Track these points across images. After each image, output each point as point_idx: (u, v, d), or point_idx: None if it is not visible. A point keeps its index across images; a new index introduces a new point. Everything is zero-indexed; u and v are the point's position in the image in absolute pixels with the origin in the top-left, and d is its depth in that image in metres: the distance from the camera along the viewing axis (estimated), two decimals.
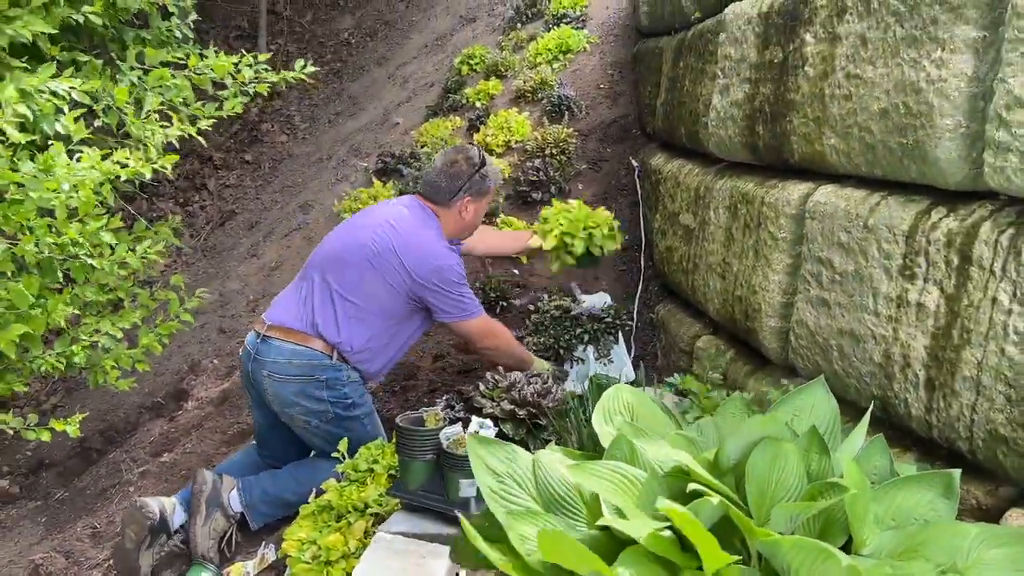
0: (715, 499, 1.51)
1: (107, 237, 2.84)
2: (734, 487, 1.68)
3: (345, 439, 2.66)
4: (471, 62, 6.15)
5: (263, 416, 3.03)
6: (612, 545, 1.57)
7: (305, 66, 3.09)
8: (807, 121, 2.42)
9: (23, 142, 2.23)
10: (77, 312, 3.05)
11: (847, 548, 1.56)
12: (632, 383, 3.26)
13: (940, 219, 1.92)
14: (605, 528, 1.61)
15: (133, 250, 3.08)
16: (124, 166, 2.56)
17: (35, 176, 2.24)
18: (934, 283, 1.91)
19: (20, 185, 2.34)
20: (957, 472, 1.64)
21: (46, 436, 2.80)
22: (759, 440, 1.71)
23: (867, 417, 1.76)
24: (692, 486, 1.52)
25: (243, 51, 3.25)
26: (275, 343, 2.81)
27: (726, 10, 3.06)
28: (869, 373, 2.12)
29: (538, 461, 1.79)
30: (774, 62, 2.64)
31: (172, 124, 2.76)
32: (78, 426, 2.93)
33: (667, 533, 1.49)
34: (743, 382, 2.71)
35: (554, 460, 1.80)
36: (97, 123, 2.77)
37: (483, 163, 2.96)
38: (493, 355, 3.04)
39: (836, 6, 2.29)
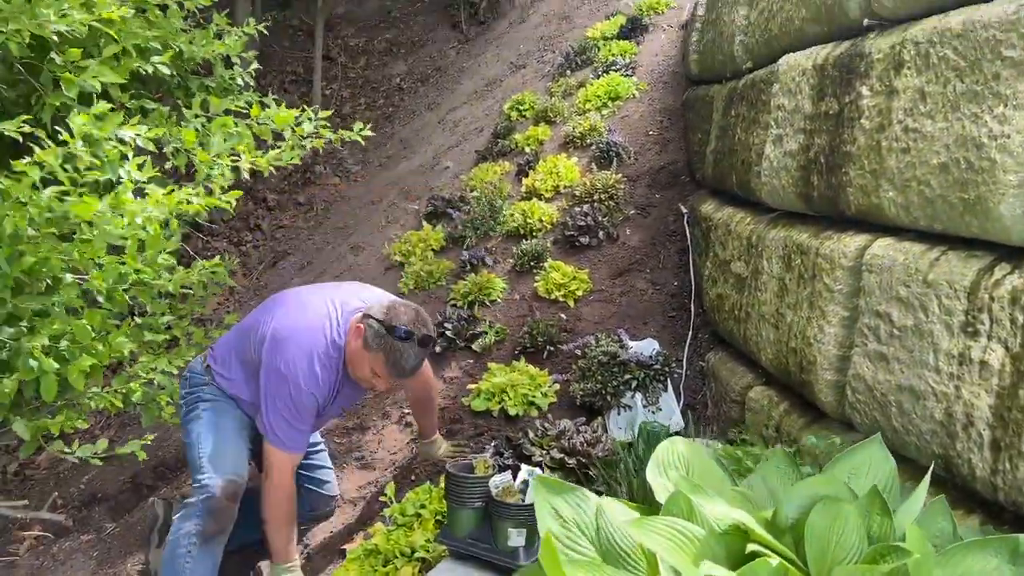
0: (774, 560, 1.49)
1: (163, 260, 2.94)
2: (793, 547, 1.65)
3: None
4: (520, 108, 6.23)
5: None
6: None
7: (363, 129, 3.17)
8: (864, 173, 2.41)
9: (93, 180, 2.32)
10: (136, 349, 3.14)
11: None
12: (681, 432, 3.23)
13: (1004, 276, 1.88)
14: None
15: (189, 289, 3.18)
16: (190, 202, 2.64)
17: (106, 214, 2.33)
18: (998, 341, 1.87)
19: (90, 224, 2.43)
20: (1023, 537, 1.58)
21: (121, 453, 2.91)
22: (818, 499, 1.68)
23: (928, 477, 1.72)
24: (751, 547, 1.49)
25: (299, 98, 3.35)
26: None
27: (780, 61, 3.07)
28: (930, 431, 2.07)
29: (601, 509, 1.77)
30: (829, 114, 2.64)
31: (241, 159, 2.85)
32: (143, 450, 3.01)
33: None
34: (797, 435, 2.66)
35: (617, 510, 1.78)
36: (167, 165, 2.87)
37: (425, 343, 2.60)
38: (265, 508, 2.71)
39: (894, 60, 2.29)
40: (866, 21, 2.55)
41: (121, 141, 2.61)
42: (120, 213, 2.38)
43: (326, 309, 2.70)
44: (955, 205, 2.03)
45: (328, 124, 3.12)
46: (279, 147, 3.00)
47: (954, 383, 1.99)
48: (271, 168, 3.11)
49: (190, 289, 3.29)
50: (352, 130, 3.18)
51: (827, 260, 2.54)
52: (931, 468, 1.81)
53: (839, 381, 2.49)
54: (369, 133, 3.16)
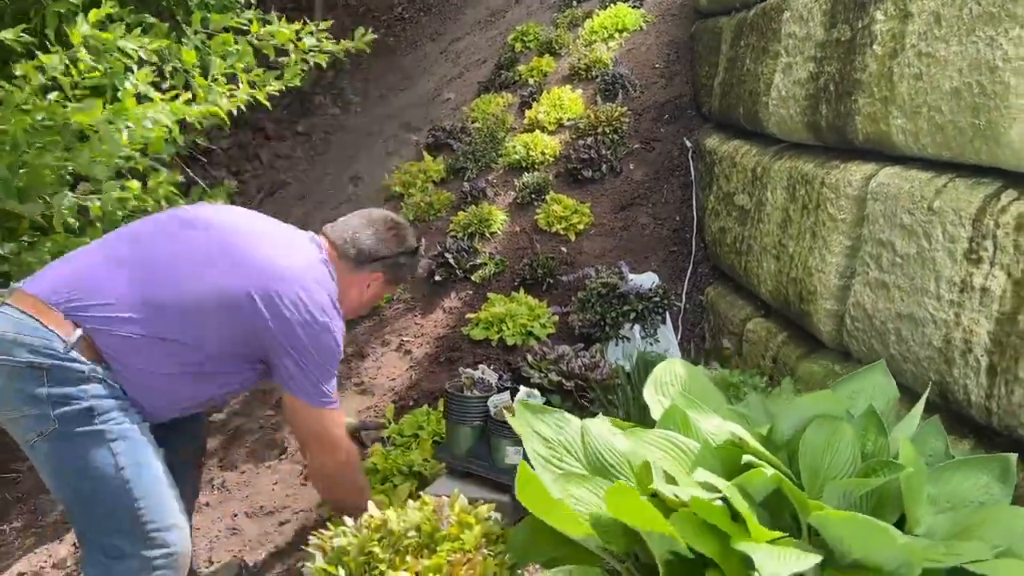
0: (768, 471, 1.51)
1: (163, 191, 2.91)
2: (787, 463, 1.67)
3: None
4: (525, 39, 6.12)
5: None
6: (663, 513, 1.57)
7: (365, 35, 3.11)
8: (873, 101, 2.38)
9: (94, 85, 2.29)
10: None
11: (900, 527, 1.54)
12: None
13: (1011, 202, 1.87)
14: (654, 496, 1.62)
15: None
16: (192, 103, 2.61)
17: (109, 122, 2.30)
18: (1000, 267, 1.87)
19: (95, 131, 2.40)
20: (1014, 456, 1.61)
21: None
22: (813, 417, 1.70)
23: (923, 399, 1.73)
24: (746, 458, 1.51)
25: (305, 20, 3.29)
26: (3, 312, 1.99)
27: None
28: (927, 358, 2.08)
29: (587, 428, 1.79)
30: (841, 40, 2.59)
31: (239, 87, 2.80)
32: None
33: (718, 503, 1.49)
34: (794, 365, 2.68)
35: (603, 428, 1.80)
36: (165, 85, 2.83)
37: (417, 251, 2.44)
38: (327, 488, 2.34)
39: None
40: None
41: (124, 53, 2.56)
42: (125, 120, 2.34)
43: (290, 235, 2.25)
44: (965, 131, 2.00)
45: (330, 36, 3.06)
46: (280, 64, 2.95)
47: (954, 310, 1.99)
48: (275, 91, 3.06)
49: None
50: (356, 50, 3.12)
51: (832, 189, 2.52)
52: (927, 391, 1.82)
53: (838, 310, 2.49)
54: (372, 37, 3.10)
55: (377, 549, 1.73)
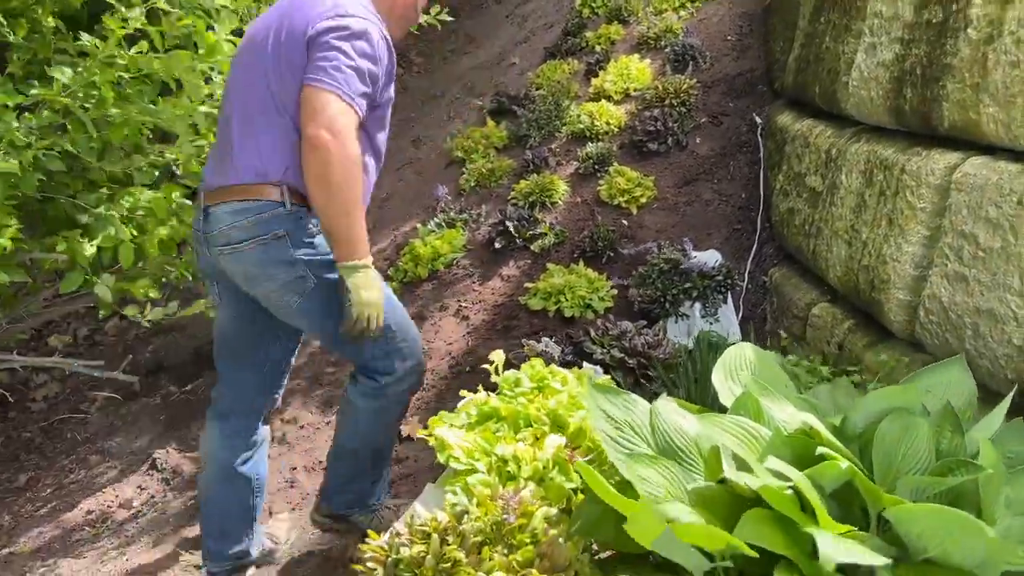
0: (843, 463, 1.50)
1: None
2: (858, 456, 1.66)
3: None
4: (593, 4, 6.03)
5: (235, 323, 2.42)
6: (730, 500, 1.57)
7: (440, 12, 3.09)
8: (963, 87, 2.30)
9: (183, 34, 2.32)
10: None
11: None
12: None
13: None
14: (722, 482, 1.62)
15: None
16: None
17: (191, 67, 2.33)
18: None
19: (179, 84, 2.44)
20: None
21: (191, 312, 2.95)
22: (888, 411, 1.68)
23: (1008, 399, 1.70)
24: (821, 449, 1.50)
25: None
26: (215, 211, 2.20)
27: None
28: (1006, 356, 2.04)
29: (656, 410, 1.79)
30: (932, 22, 2.50)
31: None
32: (207, 309, 3.11)
33: (789, 492, 1.49)
34: (860, 354, 2.64)
35: (671, 411, 1.80)
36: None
37: None
38: (320, 177, 2.07)
39: None
40: None
41: (205, 11, 2.60)
42: (211, 65, 2.37)
43: None
44: None
45: None
46: None
47: None
48: None
49: None
50: (424, 18, 3.11)
51: (912, 176, 2.46)
52: (1012, 392, 1.78)
53: (912, 301, 2.44)
54: (446, 18, 3.09)
55: (460, 555, 1.59)
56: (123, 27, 2.40)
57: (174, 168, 2.81)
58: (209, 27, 2.62)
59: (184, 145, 2.77)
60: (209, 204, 2.22)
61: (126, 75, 2.43)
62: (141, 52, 2.47)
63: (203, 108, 2.57)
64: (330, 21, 2.11)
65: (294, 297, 2.21)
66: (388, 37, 2.25)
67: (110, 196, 2.82)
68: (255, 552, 2.60)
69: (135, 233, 2.75)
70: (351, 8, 2.16)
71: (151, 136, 2.79)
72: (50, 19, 2.56)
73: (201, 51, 2.57)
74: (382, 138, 2.39)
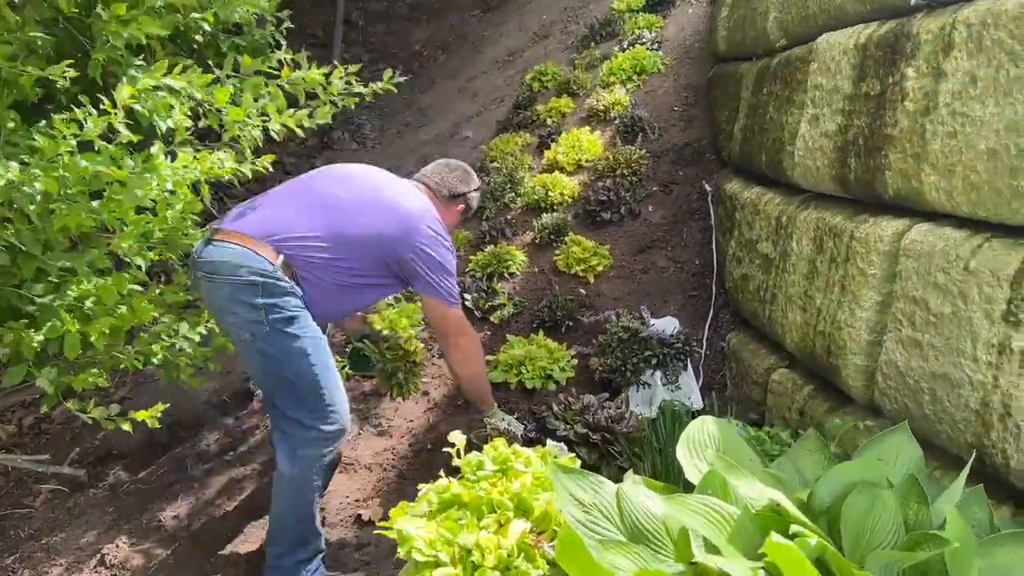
0: (813, 540, 1.48)
1: (193, 232, 2.92)
2: (826, 531, 1.64)
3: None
4: (543, 79, 6.17)
5: None
6: None
7: (393, 76, 3.14)
8: (904, 157, 2.37)
9: (135, 140, 2.30)
10: (157, 314, 3.13)
11: None
12: (700, 412, 3.23)
13: None
14: (693, 564, 1.59)
15: None
16: (223, 165, 2.62)
17: (139, 175, 2.31)
18: None
19: (121, 184, 2.41)
20: None
21: (127, 425, 2.87)
22: (853, 484, 1.67)
23: (967, 468, 1.70)
24: (793, 528, 1.48)
25: (318, 63, 3.33)
26: (219, 244, 2.60)
27: (819, 39, 3.02)
28: (964, 420, 2.05)
29: (623, 493, 1.76)
30: (871, 95, 2.59)
31: (270, 119, 2.83)
32: (158, 417, 3.00)
33: (762, 573, 1.46)
34: (821, 419, 2.65)
35: (639, 493, 1.77)
36: (200, 124, 2.85)
37: (479, 187, 3.21)
38: (464, 363, 2.98)
39: (943, 42, 2.24)
40: (913, 1, 2.50)
41: (171, 90, 2.59)
42: (151, 175, 2.35)
43: (405, 183, 2.96)
44: (1002, 192, 1.99)
45: (359, 79, 3.10)
46: (310, 107, 2.96)
47: (992, 372, 1.97)
48: (296, 129, 3.08)
49: None
50: (383, 91, 3.15)
51: (862, 243, 2.51)
52: (971, 459, 1.79)
53: (869, 366, 2.47)
54: (401, 79, 3.14)
55: None
56: (75, 135, 2.37)
57: (123, 257, 2.75)
58: (170, 106, 2.62)
59: (131, 232, 2.72)
60: (217, 238, 2.62)
61: (70, 176, 2.39)
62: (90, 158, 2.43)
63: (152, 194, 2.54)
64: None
65: (247, 335, 2.60)
66: None
67: (57, 285, 2.74)
68: None
69: (81, 323, 2.67)
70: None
71: (99, 228, 2.73)
72: (8, 113, 2.55)
73: (154, 147, 2.55)
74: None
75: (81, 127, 2.28)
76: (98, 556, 3.39)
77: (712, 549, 1.54)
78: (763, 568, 1.48)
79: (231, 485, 3.65)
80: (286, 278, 2.60)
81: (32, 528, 3.83)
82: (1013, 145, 1.95)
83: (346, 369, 3.49)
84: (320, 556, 2.85)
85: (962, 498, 1.71)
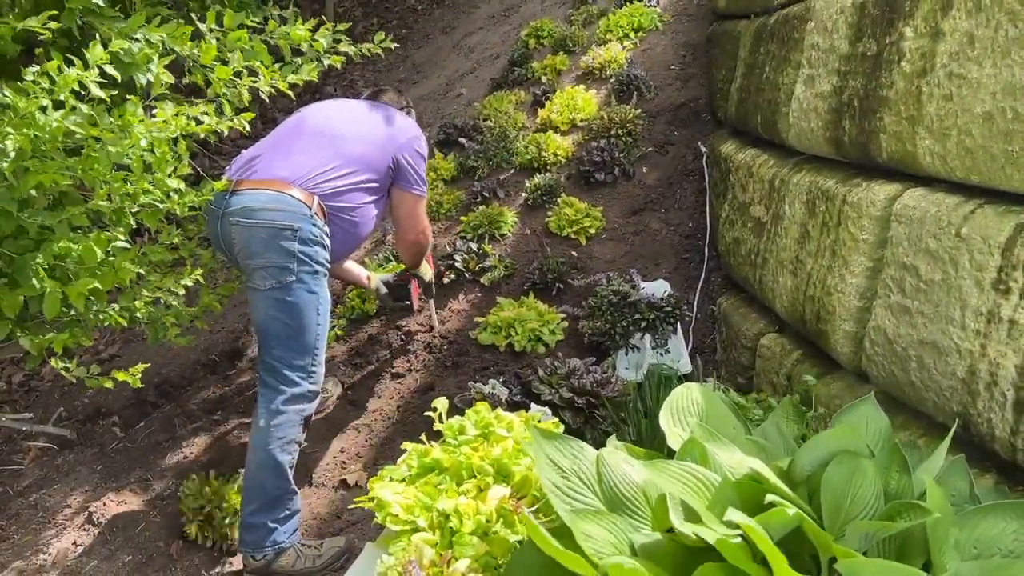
0: (791, 510, 1.46)
1: (174, 183, 2.86)
2: (807, 499, 1.62)
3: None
4: (539, 35, 6.05)
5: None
6: (678, 552, 1.53)
7: (384, 39, 3.06)
8: (899, 119, 2.32)
9: (107, 98, 2.24)
10: (142, 271, 3.08)
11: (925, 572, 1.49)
12: (688, 376, 3.21)
13: None
14: (670, 532, 1.57)
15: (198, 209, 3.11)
16: (200, 122, 2.56)
17: (113, 132, 2.25)
18: None
19: (98, 140, 2.35)
20: None
21: (109, 384, 2.85)
22: (835, 453, 1.65)
23: (949, 437, 1.68)
24: (770, 497, 1.47)
25: (311, 16, 3.24)
26: (248, 192, 2.76)
27: None
28: (950, 388, 2.03)
29: (602, 459, 1.74)
30: (867, 55, 2.53)
31: (260, 79, 2.76)
32: (139, 377, 2.97)
33: (738, 540, 1.45)
34: (810, 385, 2.63)
35: (619, 459, 1.75)
36: (185, 81, 2.78)
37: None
38: (415, 252, 3.45)
39: (942, 0, 2.17)
40: None
41: (149, 42, 2.51)
42: (126, 133, 2.29)
43: (375, 105, 3.23)
44: (996, 157, 1.95)
45: (347, 37, 3.02)
46: (296, 63, 2.89)
47: (980, 340, 1.94)
48: (286, 91, 3.01)
49: (198, 209, 3.23)
50: (369, 51, 3.07)
51: (854, 208, 2.47)
52: (954, 428, 1.77)
53: (857, 332, 2.44)
54: (391, 45, 3.07)
55: None
56: (49, 90, 2.31)
57: (103, 217, 2.70)
58: (149, 60, 2.55)
59: (115, 191, 2.66)
60: (241, 188, 2.77)
61: (43, 135, 2.33)
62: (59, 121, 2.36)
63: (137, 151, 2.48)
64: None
65: (272, 282, 2.71)
66: None
67: (37, 243, 2.69)
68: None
69: (59, 284, 2.62)
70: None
71: (77, 185, 2.67)
72: None
73: (128, 103, 2.49)
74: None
75: (55, 82, 2.22)
76: (86, 514, 3.41)
77: (692, 516, 1.52)
78: (740, 536, 1.46)
79: (219, 444, 3.65)
80: (320, 222, 2.79)
81: (21, 485, 3.84)
82: (1009, 108, 1.90)
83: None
84: (295, 516, 2.83)
85: (944, 467, 1.69)
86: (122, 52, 2.43)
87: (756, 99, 3.52)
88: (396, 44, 3.22)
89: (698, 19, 5.35)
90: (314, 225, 2.76)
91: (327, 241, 2.84)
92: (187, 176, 3.28)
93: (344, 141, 2.95)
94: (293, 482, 2.81)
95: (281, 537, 2.76)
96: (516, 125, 5.08)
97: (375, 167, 3.00)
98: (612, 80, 5.07)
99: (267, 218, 2.70)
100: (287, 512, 2.79)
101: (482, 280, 4.10)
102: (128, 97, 2.37)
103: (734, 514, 1.42)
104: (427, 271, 3.67)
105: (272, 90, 2.93)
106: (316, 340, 2.81)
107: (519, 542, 1.79)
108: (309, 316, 2.77)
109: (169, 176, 2.83)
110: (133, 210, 2.82)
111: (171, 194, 2.93)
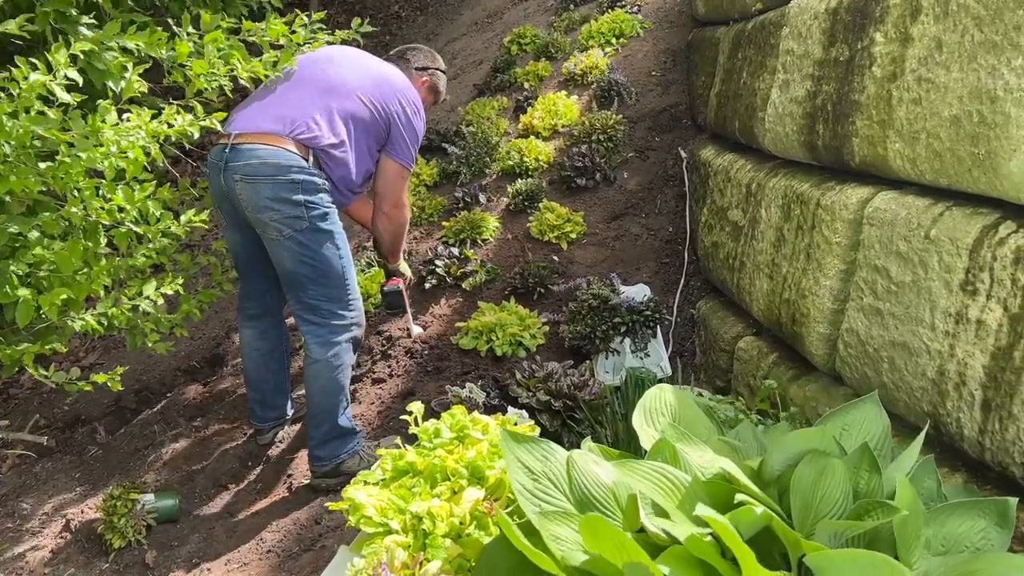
0: (759, 508, 1.47)
1: (153, 206, 2.85)
2: (777, 499, 1.64)
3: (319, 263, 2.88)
4: (521, 42, 6.08)
5: (241, 240, 3.12)
6: (649, 550, 1.53)
7: (362, 24, 3.07)
8: (871, 123, 2.35)
9: (74, 103, 2.23)
10: (121, 278, 3.07)
11: None
12: (668, 379, 3.23)
13: (1008, 235, 1.84)
14: (641, 531, 1.58)
15: (178, 217, 3.09)
16: (171, 125, 2.56)
17: (85, 137, 2.24)
18: (997, 301, 1.84)
19: (71, 145, 2.34)
20: (1014, 500, 1.57)
21: (88, 387, 2.84)
22: (805, 452, 1.66)
23: (921, 437, 1.70)
24: (739, 496, 1.48)
25: (295, 11, 3.25)
26: (249, 148, 2.82)
27: (791, 3, 2.97)
28: (921, 388, 2.06)
29: (572, 460, 1.75)
30: (839, 60, 2.56)
31: (239, 67, 2.77)
32: (119, 380, 2.96)
33: (709, 539, 1.46)
34: (785, 387, 2.65)
35: (588, 460, 1.75)
36: (165, 82, 2.78)
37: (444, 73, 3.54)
38: (391, 230, 3.33)
39: (911, 6, 2.20)
40: None
41: (124, 50, 2.51)
42: (98, 140, 2.28)
43: (376, 58, 3.24)
44: (963, 159, 1.97)
45: (325, 27, 3.05)
46: (275, 55, 2.90)
47: (949, 341, 1.96)
48: (264, 79, 3.01)
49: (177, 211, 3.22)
50: (348, 36, 3.09)
51: (827, 211, 2.49)
52: (925, 428, 1.79)
53: (831, 335, 2.46)
54: (369, 29, 3.09)
55: None
56: (15, 95, 2.29)
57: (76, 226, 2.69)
58: (124, 67, 2.54)
59: (77, 201, 2.64)
60: (239, 142, 2.81)
61: (14, 139, 2.32)
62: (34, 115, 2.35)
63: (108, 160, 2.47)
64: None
65: (287, 231, 2.84)
66: None
67: (12, 251, 2.68)
68: (290, 411, 3.54)
69: (30, 293, 2.60)
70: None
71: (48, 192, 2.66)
72: None
73: (99, 110, 2.48)
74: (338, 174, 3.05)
75: (19, 86, 2.21)
76: (63, 521, 3.38)
77: (662, 515, 1.53)
78: (711, 535, 1.47)
79: (198, 450, 3.64)
80: (317, 171, 2.89)
81: None
82: (976, 112, 1.92)
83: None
84: (359, 432, 3.16)
85: (914, 467, 1.71)
86: (91, 56, 2.42)
87: (734, 104, 3.55)
88: (373, 28, 3.27)
89: (679, 26, 5.39)
90: (313, 176, 2.86)
91: (328, 185, 2.95)
92: (162, 178, 3.27)
93: (341, 94, 2.97)
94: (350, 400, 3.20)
95: (350, 443, 3.09)
96: (499, 131, 5.09)
97: (368, 123, 3.02)
98: (594, 86, 5.09)
99: (268, 173, 2.79)
100: (352, 424, 3.12)
101: (464, 285, 4.10)
102: (98, 102, 2.36)
103: (703, 510, 1.43)
104: (407, 268, 3.68)
105: (252, 83, 2.93)
106: (344, 271, 2.99)
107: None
108: (330, 252, 2.94)
109: (148, 198, 2.82)
110: (105, 226, 2.81)
111: (146, 217, 2.91)
